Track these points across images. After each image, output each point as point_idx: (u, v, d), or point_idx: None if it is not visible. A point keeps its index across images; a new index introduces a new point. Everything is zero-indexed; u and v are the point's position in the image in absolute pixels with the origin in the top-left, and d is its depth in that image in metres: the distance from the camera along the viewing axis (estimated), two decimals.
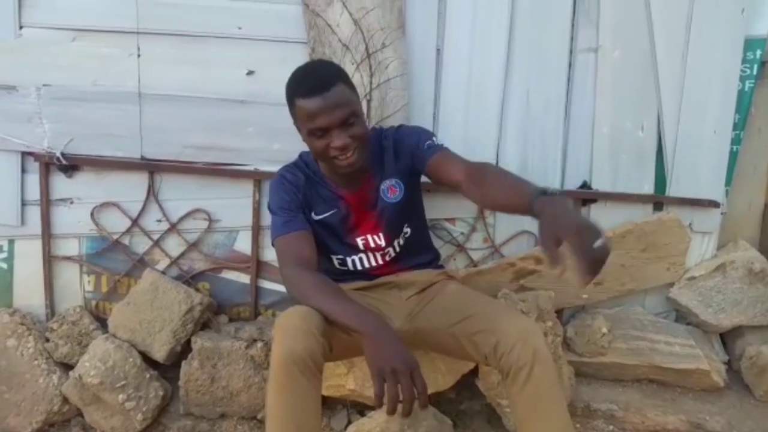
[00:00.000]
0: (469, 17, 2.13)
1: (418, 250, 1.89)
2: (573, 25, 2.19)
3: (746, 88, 2.34)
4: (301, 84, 1.58)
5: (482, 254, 2.29)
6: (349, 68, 2.01)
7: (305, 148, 1.69)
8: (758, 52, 2.32)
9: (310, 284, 1.52)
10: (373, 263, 1.82)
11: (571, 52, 2.21)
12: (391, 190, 1.76)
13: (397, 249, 1.82)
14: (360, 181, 1.74)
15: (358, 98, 1.63)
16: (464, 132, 2.18)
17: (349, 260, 1.81)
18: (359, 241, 1.78)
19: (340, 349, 1.54)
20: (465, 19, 2.13)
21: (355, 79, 1.98)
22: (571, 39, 2.20)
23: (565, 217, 1.22)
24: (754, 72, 2.33)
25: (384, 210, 1.76)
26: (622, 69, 2.23)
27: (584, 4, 2.19)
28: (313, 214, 1.73)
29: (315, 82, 1.55)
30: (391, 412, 1.31)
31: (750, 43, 2.31)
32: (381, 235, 1.78)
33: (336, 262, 1.82)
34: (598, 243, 1.18)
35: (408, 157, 1.73)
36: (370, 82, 2.04)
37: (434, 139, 1.73)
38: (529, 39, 2.17)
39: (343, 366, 1.93)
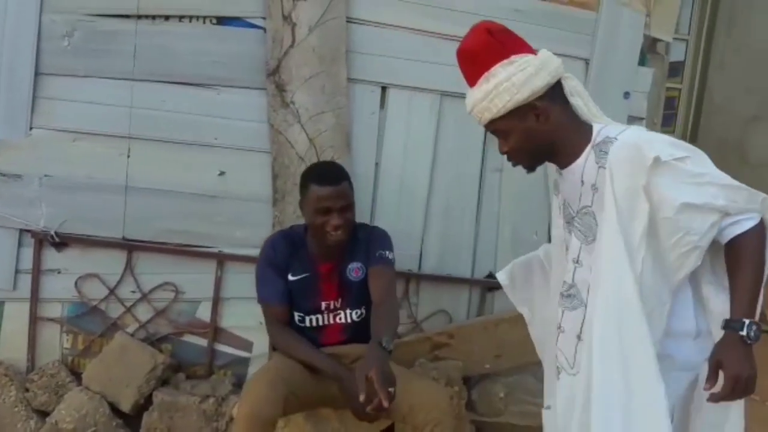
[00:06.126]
0: (402, 139, 2.64)
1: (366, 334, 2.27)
2: (484, 148, 2.72)
3: None
4: (318, 174, 2.14)
5: (406, 328, 2.74)
6: None
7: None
8: None
9: (294, 339, 2.18)
10: (329, 322, 2.26)
11: (481, 170, 2.74)
12: (355, 271, 2.25)
13: (351, 319, 2.26)
14: (334, 257, 2.21)
15: (353, 194, 2.18)
16: (395, 227, 2.60)
17: (307, 318, 2.24)
18: (323, 304, 2.24)
19: (306, 400, 2.10)
20: (399, 140, 2.64)
21: None
22: (482, 159, 2.73)
23: (376, 364, 1.83)
24: None
25: (346, 284, 2.24)
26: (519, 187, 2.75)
27: None
28: (289, 275, 2.21)
29: (329, 175, 2.13)
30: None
31: None
32: (339, 301, 2.25)
33: (296, 319, 2.25)
34: (390, 389, 1.79)
35: (369, 253, 2.24)
36: None
37: (388, 253, 2.23)
38: (449, 158, 2.69)
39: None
